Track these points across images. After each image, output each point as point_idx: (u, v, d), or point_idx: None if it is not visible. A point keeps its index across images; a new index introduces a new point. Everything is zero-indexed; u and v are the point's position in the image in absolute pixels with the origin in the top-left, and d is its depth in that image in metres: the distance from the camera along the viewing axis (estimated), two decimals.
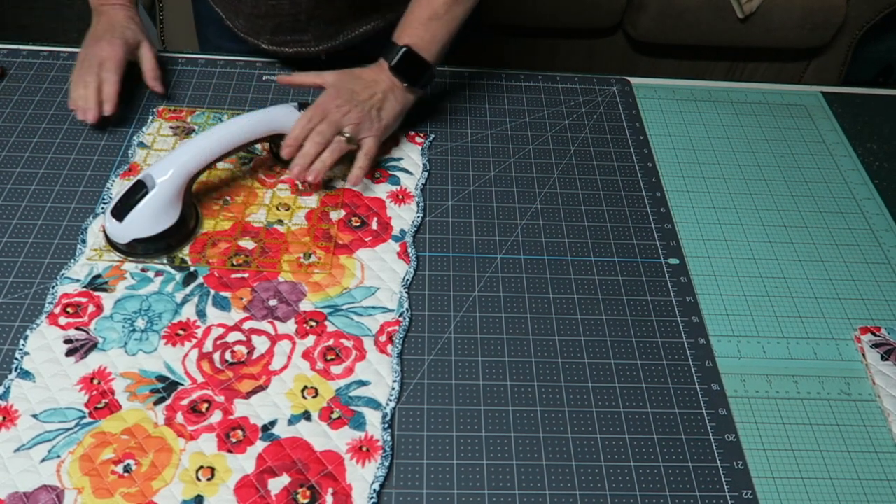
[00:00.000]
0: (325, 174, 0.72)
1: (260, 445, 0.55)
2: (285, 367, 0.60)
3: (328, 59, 0.91)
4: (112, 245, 0.66)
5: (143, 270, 0.66)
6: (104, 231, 0.67)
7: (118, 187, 0.73)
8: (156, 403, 0.57)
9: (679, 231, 0.75)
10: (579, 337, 0.65)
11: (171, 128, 0.80)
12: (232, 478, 0.53)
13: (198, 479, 0.53)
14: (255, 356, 0.61)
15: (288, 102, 0.75)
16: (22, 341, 0.60)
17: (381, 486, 0.54)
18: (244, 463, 0.54)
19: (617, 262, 0.71)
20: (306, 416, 0.57)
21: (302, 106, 0.73)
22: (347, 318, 0.64)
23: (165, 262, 0.67)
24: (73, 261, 0.66)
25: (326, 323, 0.63)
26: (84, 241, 0.68)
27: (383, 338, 0.63)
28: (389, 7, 0.89)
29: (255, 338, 0.62)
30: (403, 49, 0.74)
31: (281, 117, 0.71)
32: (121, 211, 0.64)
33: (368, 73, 0.76)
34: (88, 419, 0.56)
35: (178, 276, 0.66)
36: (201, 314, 0.63)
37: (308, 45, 0.89)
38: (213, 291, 0.65)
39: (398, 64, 0.75)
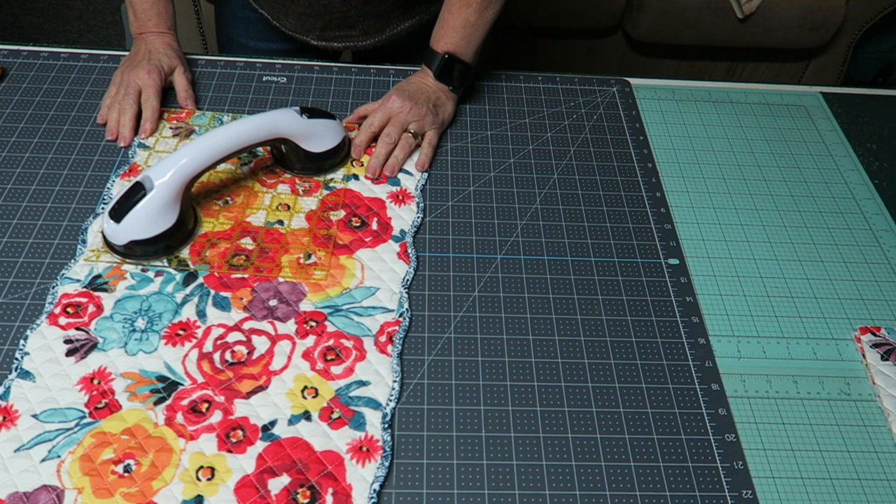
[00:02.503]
0: (400, 168, 0.78)
1: (260, 445, 0.55)
2: (285, 367, 0.60)
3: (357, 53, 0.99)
4: (110, 247, 0.66)
5: (143, 270, 0.66)
6: (102, 232, 0.67)
7: (118, 188, 0.73)
8: (156, 403, 0.57)
9: (679, 231, 0.75)
10: (579, 337, 0.65)
11: (172, 129, 0.80)
12: (232, 478, 0.54)
13: (198, 479, 0.53)
14: (255, 356, 0.61)
15: (289, 106, 0.75)
16: (22, 341, 0.60)
17: (381, 486, 0.54)
18: (244, 463, 0.54)
19: (617, 263, 0.71)
20: (306, 416, 0.57)
21: (304, 110, 0.73)
22: (347, 318, 0.64)
23: (164, 263, 0.67)
24: (73, 261, 0.66)
25: (326, 323, 0.63)
26: (84, 242, 0.68)
27: (383, 338, 0.63)
28: (434, 1, 0.92)
29: (255, 338, 0.62)
30: (444, 56, 0.80)
31: (282, 121, 0.71)
32: (119, 213, 0.64)
33: (416, 79, 0.82)
34: (88, 419, 0.56)
35: (178, 276, 0.66)
36: (201, 314, 0.63)
37: (356, 39, 0.95)
38: (213, 291, 0.65)
39: (441, 71, 0.81)
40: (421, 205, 0.75)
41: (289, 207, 0.73)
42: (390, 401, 0.59)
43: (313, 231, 0.71)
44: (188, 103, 0.82)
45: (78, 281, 0.64)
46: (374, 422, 0.57)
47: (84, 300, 0.63)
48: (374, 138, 0.79)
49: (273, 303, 0.65)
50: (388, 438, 0.56)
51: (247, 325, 0.63)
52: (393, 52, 0.99)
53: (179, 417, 0.56)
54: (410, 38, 0.97)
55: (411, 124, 0.78)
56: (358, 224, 0.72)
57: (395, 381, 0.60)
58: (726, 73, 1.89)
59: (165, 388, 0.58)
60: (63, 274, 0.65)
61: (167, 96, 0.84)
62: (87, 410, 0.56)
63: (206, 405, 0.57)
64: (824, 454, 0.59)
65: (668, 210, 0.77)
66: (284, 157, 0.76)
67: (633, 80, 0.93)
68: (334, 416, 0.57)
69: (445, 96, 0.82)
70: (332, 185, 0.76)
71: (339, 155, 0.77)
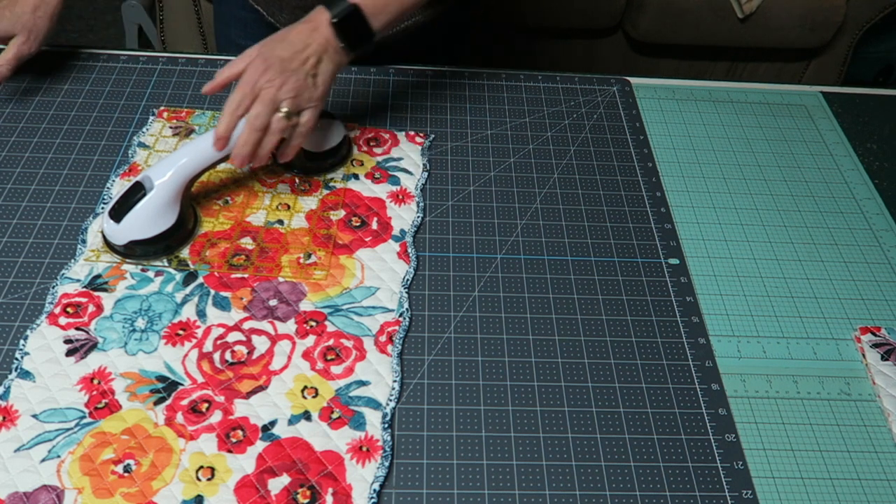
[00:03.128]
0: (269, 157, 0.67)
1: (260, 445, 0.55)
2: (285, 367, 0.60)
3: None
4: (110, 246, 0.66)
5: (143, 270, 0.66)
6: (102, 232, 0.67)
7: (118, 187, 0.73)
8: (156, 403, 0.57)
9: (679, 231, 0.75)
10: (579, 337, 0.65)
11: (171, 128, 0.80)
12: (232, 478, 0.53)
13: (198, 479, 0.53)
14: (255, 356, 0.61)
15: None
16: (22, 341, 0.60)
17: (381, 486, 0.54)
18: (244, 463, 0.54)
19: (617, 262, 0.71)
20: (306, 416, 0.57)
21: None
22: (347, 318, 0.64)
23: (164, 263, 0.67)
24: (73, 261, 0.66)
25: (326, 323, 0.63)
26: (84, 242, 0.68)
27: (383, 338, 0.63)
28: (431, 4, 0.87)
29: (255, 338, 0.62)
30: (352, 7, 0.67)
31: None
32: (118, 213, 0.64)
33: (298, 33, 0.66)
34: (88, 419, 0.56)
35: (178, 276, 0.66)
36: (201, 314, 0.63)
37: None
38: (213, 291, 0.65)
39: (341, 21, 0.66)
40: (421, 204, 0.75)
41: (289, 207, 0.73)
42: (390, 401, 0.59)
43: (313, 231, 0.71)
44: (1, 68, 0.76)
45: (78, 281, 0.64)
46: (374, 422, 0.57)
47: (84, 300, 0.63)
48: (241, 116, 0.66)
49: (273, 303, 0.65)
50: (388, 438, 0.56)
51: (247, 325, 0.63)
52: (389, 52, 0.97)
53: (179, 417, 0.56)
54: (408, 38, 0.95)
55: (284, 102, 0.64)
56: (358, 224, 0.72)
57: (395, 381, 0.60)
58: (726, 73, 1.89)
59: (165, 388, 0.58)
60: (63, 274, 0.65)
61: (171, 97, 0.84)
62: (87, 410, 0.56)
63: (206, 405, 0.57)
64: (824, 454, 0.59)
65: (668, 210, 0.77)
66: None
67: (633, 80, 0.93)
68: (334, 415, 0.57)
69: (330, 55, 0.67)
70: (332, 184, 0.76)
71: (338, 154, 0.77)
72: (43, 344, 0.60)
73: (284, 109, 0.65)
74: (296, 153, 0.68)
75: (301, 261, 0.68)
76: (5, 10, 0.76)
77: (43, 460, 0.53)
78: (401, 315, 0.64)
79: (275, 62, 0.64)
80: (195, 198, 0.72)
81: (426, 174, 0.78)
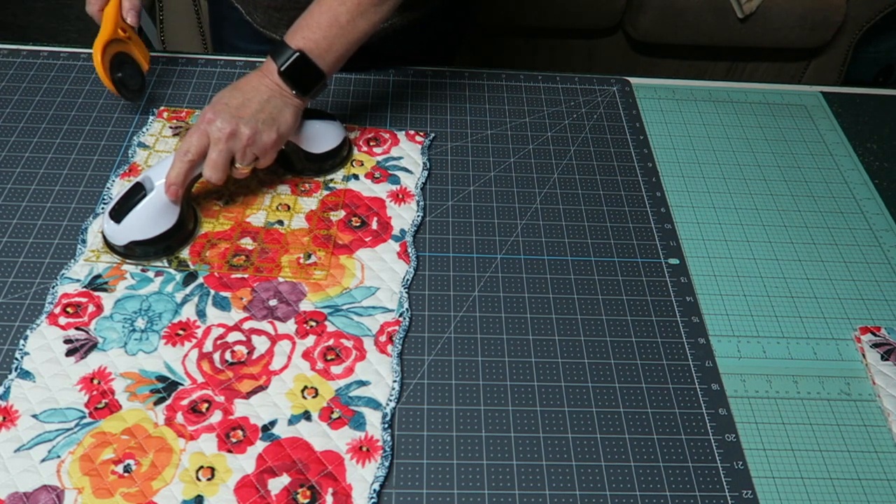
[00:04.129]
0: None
1: (260, 445, 0.55)
2: (285, 367, 0.60)
3: None
4: (110, 247, 0.66)
5: (143, 270, 0.66)
6: (102, 233, 0.67)
7: (118, 187, 0.73)
8: (156, 403, 0.57)
9: (679, 231, 0.75)
10: (579, 337, 0.65)
11: (172, 129, 0.80)
12: (232, 478, 0.53)
13: (198, 479, 0.53)
14: (255, 356, 0.61)
15: None
16: (22, 341, 0.60)
17: (381, 486, 0.54)
18: (244, 463, 0.54)
19: (617, 262, 0.71)
20: (306, 416, 0.57)
21: (304, 111, 0.72)
22: (347, 318, 0.64)
23: (164, 263, 0.67)
24: (73, 261, 0.66)
25: (326, 323, 0.63)
26: (84, 242, 0.68)
27: (383, 338, 0.63)
28: (408, 6, 0.85)
29: (255, 338, 0.62)
30: (297, 54, 0.67)
31: None
32: (118, 213, 0.64)
33: (247, 81, 0.68)
34: (88, 419, 0.56)
35: (178, 276, 0.66)
36: (201, 314, 0.63)
37: None
38: (213, 291, 0.65)
39: (288, 69, 0.67)
40: (421, 204, 0.75)
41: (289, 208, 0.73)
42: (390, 401, 0.59)
43: (313, 231, 0.71)
44: (130, 14, 0.78)
45: (78, 281, 0.64)
46: (374, 422, 0.57)
47: (84, 300, 0.63)
48: (195, 166, 0.66)
49: (273, 303, 0.65)
50: (388, 438, 0.56)
51: (247, 325, 0.63)
52: (381, 54, 0.94)
53: (179, 417, 0.56)
54: (388, 40, 0.90)
55: (236, 154, 0.66)
56: (358, 224, 0.72)
57: (395, 381, 0.60)
58: (726, 72, 1.89)
59: (165, 388, 0.58)
60: (63, 274, 0.65)
61: (171, 97, 0.84)
62: (86, 410, 0.56)
63: (206, 405, 0.57)
64: (824, 454, 0.59)
65: (668, 210, 0.77)
66: (284, 158, 0.76)
67: (633, 80, 0.93)
68: (334, 416, 0.57)
69: (284, 102, 0.67)
70: (331, 185, 0.76)
71: (339, 156, 0.77)
72: (43, 344, 0.60)
73: (238, 165, 0.67)
74: (245, 176, 0.69)
75: (301, 261, 0.68)
76: None
77: (43, 460, 0.53)
78: (401, 315, 0.64)
79: (222, 110, 0.65)
80: (195, 198, 0.72)
81: (426, 172, 0.78)
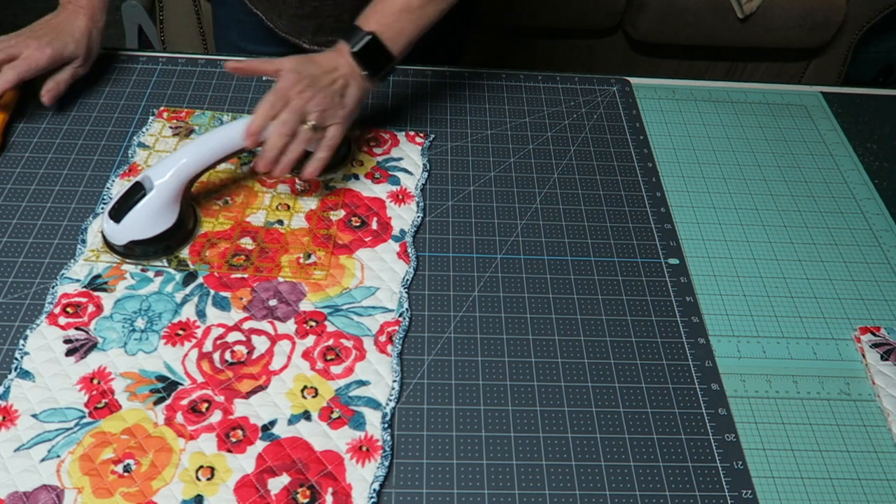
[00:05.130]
0: (290, 168, 0.68)
1: (260, 445, 0.55)
2: (285, 366, 0.60)
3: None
4: (110, 247, 0.66)
5: (143, 270, 0.66)
6: (102, 232, 0.67)
7: (118, 187, 0.73)
8: (156, 403, 0.57)
9: (679, 231, 0.75)
10: (579, 337, 0.65)
11: (171, 129, 0.80)
12: (232, 477, 0.53)
13: (198, 478, 0.53)
14: (254, 356, 0.61)
15: None
16: (22, 341, 0.60)
17: (381, 486, 0.54)
18: (244, 463, 0.54)
19: (617, 262, 0.71)
20: (306, 415, 0.57)
21: None
22: (347, 318, 0.64)
23: (164, 263, 0.67)
24: (72, 261, 0.66)
25: (326, 323, 0.63)
26: (84, 242, 0.68)
27: (383, 338, 0.63)
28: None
29: (254, 338, 0.62)
30: (369, 36, 0.70)
31: None
32: (118, 213, 0.64)
33: (326, 57, 0.70)
34: (88, 419, 0.56)
35: (178, 276, 0.66)
36: (201, 314, 0.63)
37: None
38: (212, 291, 0.65)
39: (361, 51, 0.70)
40: (421, 204, 0.75)
41: (289, 207, 0.73)
42: (390, 401, 0.59)
43: (313, 231, 0.71)
44: (45, 96, 0.76)
45: (77, 281, 0.64)
46: (373, 421, 0.57)
47: (84, 300, 0.63)
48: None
49: (273, 303, 0.65)
50: (388, 438, 0.56)
51: (246, 325, 0.63)
52: None
53: (179, 417, 0.56)
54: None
55: (311, 114, 0.67)
56: (358, 224, 0.72)
57: (394, 381, 0.60)
58: (726, 73, 1.89)
59: (165, 387, 0.58)
60: (63, 274, 0.65)
61: (170, 97, 0.83)
62: (86, 410, 0.56)
63: (205, 405, 0.57)
64: (824, 454, 0.59)
65: (668, 210, 0.77)
66: None
67: (633, 80, 0.93)
68: (334, 415, 0.57)
69: (356, 81, 0.70)
70: (331, 184, 0.76)
71: (338, 155, 0.76)
72: (43, 344, 0.60)
73: (311, 122, 0.67)
74: (319, 171, 0.69)
75: (301, 261, 0.68)
76: (62, 34, 0.76)
77: (43, 460, 0.53)
78: (401, 315, 0.64)
79: (306, 77, 0.67)
80: (195, 198, 0.72)
81: (426, 174, 0.78)
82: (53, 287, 0.64)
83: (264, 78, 0.88)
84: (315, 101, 0.67)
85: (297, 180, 0.75)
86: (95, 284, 0.64)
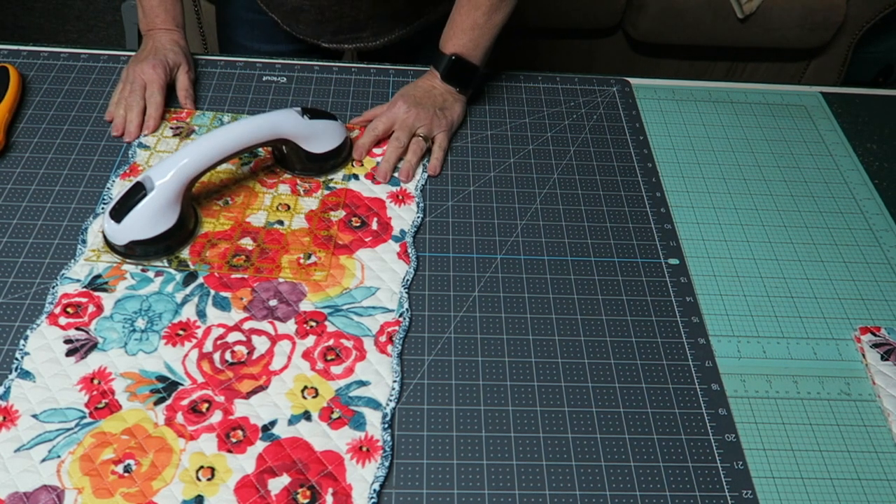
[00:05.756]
0: (414, 172, 0.77)
1: (260, 445, 0.55)
2: (285, 367, 0.60)
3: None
4: (110, 247, 0.66)
5: (143, 270, 0.66)
6: (102, 232, 0.67)
7: (118, 188, 0.73)
8: (156, 403, 0.57)
9: (679, 231, 0.75)
10: (579, 337, 0.65)
11: (172, 129, 0.80)
12: (232, 478, 0.54)
13: (198, 479, 0.53)
14: (255, 356, 0.61)
15: (289, 106, 0.75)
16: (22, 341, 0.60)
17: (381, 486, 0.54)
18: (244, 463, 0.54)
19: (617, 263, 0.71)
20: (306, 416, 0.57)
21: (305, 111, 0.73)
22: (347, 318, 0.64)
23: (165, 263, 0.67)
24: (73, 261, 0.66)
25: (326, 323, 0.63)
26: (84, 242, 0.68)
27: (383, 338, 0.63)
28: (441, 1, 0.94)
29: (255, 338, 0.62)
30: (451, 58, 0.81)
31: (284, 122, 0.71)
32: (119, 213, 0.64)
33: (423, 82, 0.82)
34: (88, 419, 0.56)
35: (178, 276, 0.66)
36: (201, 314, 0.63)
37: (365, 40, 0.97)
38: (213, 291, 0.65)
39: (448, 73, 0.81)
40: (421, 205, 0.75)
41: (289, 208, 0.73)
42: (390, 401, 0.59)
43: (313, 231, 0.71)
44: (187, 102, 0.82)
45: (78, 281, 0.64)
46: (374, 422, 0.57)
47: (84, 300, 0.63)
48: (378, 142, 0.79)
49: (273, 303, 0.65)
50: (388, 438, 0.56)
51: (247, 325, 0.63)
52: (398, 51, 0.99)
53: (179, 417, 0.56)
54: (417, 36, 0.98)
55: (419, 128, 0.78)
56: (358, 224, 0.72)
57: (395, 381, 0.60)
58: (726, 73, 1.89)
59: (165, 388, 0.58)
60: (63, 274, 0.65)
61: (170, 94, 0.84)
62: (87, 410, 0.56)
63: (206, 405, 0.57)
64: (824, 454, 0.59)
65: (668, 210, 0.77)
66: (285, 158, 0.76)
67: (633, 80, 0.93)
68: (334, 416, 0.57)
69: (453, 98, 0.82)
70: (332, 185, 0.76)
71: (339, 156, 0.77)
72: (43, 344, 0.60)
73: (421, 133, 0.79)
74: (438, 170, 0.79)
75: (301, 261, 0.68)
76: (158, 52, 0.83)
77: (43, 460, 0.53)
78: (401, 315, 0.65)
79: (410, 99, 0.80)
80: (196, 198, 0.72)
81: (426, 174, 0.78)
82: (54, 287, 0.64)
83: (264, 78, 0.88)
84: (420, 116, 0.78)
85: (297, 181, 0.76)
86: (96, 284, 0.64)
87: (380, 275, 0.68)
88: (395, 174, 0.77)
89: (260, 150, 0.78)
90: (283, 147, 0.74)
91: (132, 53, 0.89)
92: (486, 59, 0.83)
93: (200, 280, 0.66)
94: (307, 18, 0.92)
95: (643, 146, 0.84)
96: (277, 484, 0.53)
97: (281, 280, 0.66)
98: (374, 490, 0.53)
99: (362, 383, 0.60)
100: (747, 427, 0.60)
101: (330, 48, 0.97)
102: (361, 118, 0.82)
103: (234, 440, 0.55)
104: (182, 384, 0.59)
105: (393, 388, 0.59)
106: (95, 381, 0.58)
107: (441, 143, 0.80)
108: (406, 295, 0.66)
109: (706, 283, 0.71)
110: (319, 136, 0.74)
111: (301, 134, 0.72)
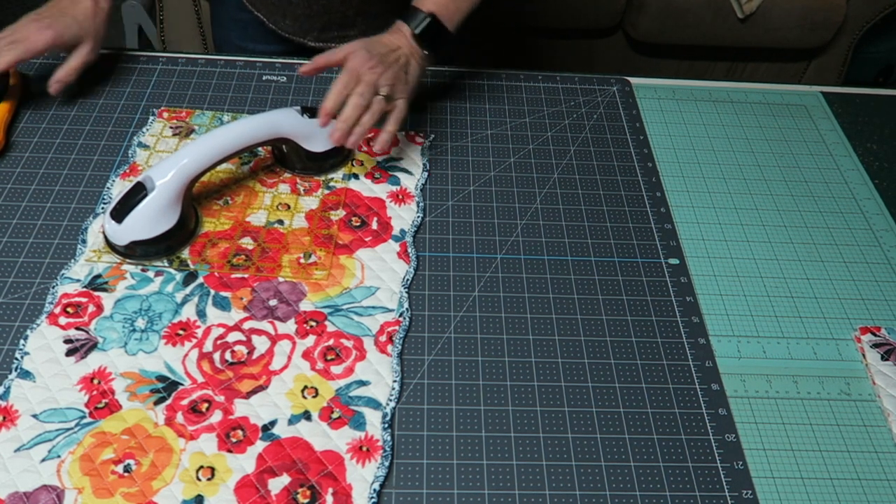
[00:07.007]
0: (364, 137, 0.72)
1: (260, 445, 0.55)
2: (285, 366, 0.60)
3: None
4: (111, 247, 0.66)
5: (143, 270, 0.66)
6: (103, 233, 0.67)
7: (118, 187, 0.73)
8: (156, 403, 0.57)
9: (679, 231, 0.75)
10: (579, 337, 0.65)
11: (172, 129, 0.80)
12: (232, 478, 0.53)
13: (198, 478, 0.53)
14: (255, 356, 0.61)
15: (289, 106, 0.75)
16: (22, 341, 0.60)
17: (381, 486, 0.54)
18: (244, 463, 0.54)
19: (617, 262, 0.71)
20: (306, 415, 0.57)
21: (304, 110, 0.73)
22: (347, 317, 0.64)
23: (165, 263, 0.67)
24: (73, 261, 0.66)
25: (326, 323, 0.63)
26: (84, 242, 0.68)
27: (383, 338, 0.63)
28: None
29: (255, 338, 0.62)
30: (429, 18, 0.74)
31: (283, 121, 0.71)
32: (120, 213, 0.64)
33: (389, 38, 0.75)
34: (88, 419, 0.56)
35: (178, 275, 0.66)
36: (201, 314, 0.63)
37: (353, 38, 0.91)
38: (213, 291, 0.65)
39: (422, 32, 0.74)
40: (421, 204, 0.75)
41: (289, 207, 0.73)
42: (390, 401, 0.59)
43: (313, 231, 0.71)
44: (54, 86, 0.76)
45: (78, 281, 0.64)
46: (374, 422, 0.57)
47: (84, 300, 0.63)
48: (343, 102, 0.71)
49: (273, 302, 0.65)
50: (388, 438, 0.56)
51: (247, 325, 0.63)
52: None
53: (179, 417, 0.56)
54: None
55: (383, 87, 0.71)
56: (358, 224, 0.72)
57: (395, 381, 0.60)
58: (726, 73, 1.89)
59: (165, 387, 0.58)
60: (63, 274, 0.65)
61: (171, 97, 0.83)
62: (87, 410, 0.56)
63: (206, 405, 0.57)
64: (824, 454, 0.59)
65: (668, 210, 0.77)
66: (285, 157, 0.76)
67: (633, 80, 0.93)
68: (334, 415, 0.57)
69: (416, 60, 0.75)
70: (332, 184, 0.76)
71: (339, 154, 0.77)
72: (43, 344, 0.60)
73: (384, 92, 0.71)
74: (390, 144, 0.73)
75: (301, 261, 0.68)
76: (65, 16, 0.75)
77: (43, 460, 0.53)
78: (401, 315, 0.64)
79: (376, 55, 0.71)
80: (196, 198, 0.72)
81: (426, 174, 0.78)
82: (54, 287, 0.64)
83: (264, 77, 0.88)
84: (385, 75, 0.71)
85: (297, 180, 0.75)
86: (96, 284, 0.64)
87: (380, 274, 0.67)
88: (384, 164, 0.77)
89: (260, 149, 0.78)
90: (283, 146, 0.74)
91: (132, 53, 0.89)
92: (461, 26, 0.77)
93: (200, 280, 0.66)
94: (295, 12, 0.90)
95: (643, 146, 0.84)
96: (277, 484, 0.53)
97: (281, 280, 0.66)
98: (374, 490, 0.53)
99: (362, 383, 0.60)
100: (747, 427, 0.60)
101: (316, 47, 0.94)
102: (312, 65, 0.72)
103: (234, 440, 0.55)
104: (182, 384, 0.59)
105: (393, 388, 0.59)
106: (95, 381, 0.58)
107: (400, 112, 0.73)
108: (406, 295, 0.66)
109: (706, 283, 0.71)
110: (319, 135, 0.74)
111: (301, 133, 0.72)
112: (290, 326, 0.63)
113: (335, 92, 0.69)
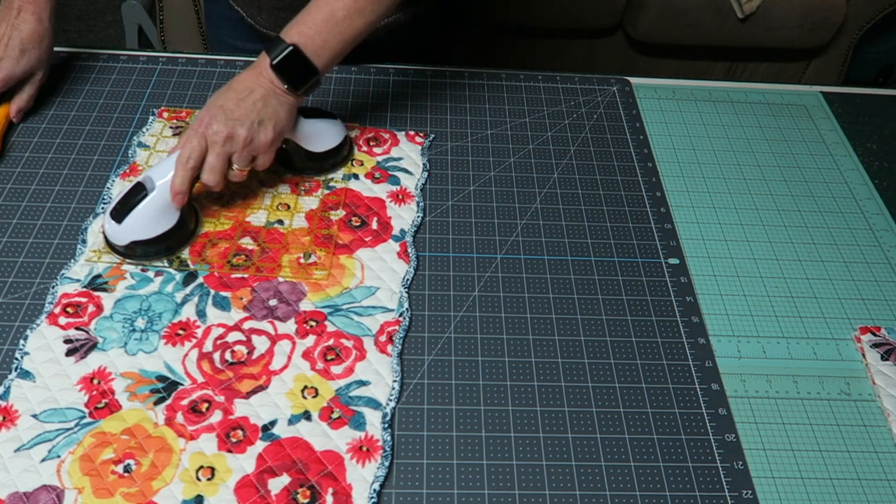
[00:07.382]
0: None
1: (260, 445, 0.55)
2: (285, 366, 0.60)
3: None
4: (111, 247, 0.66)
5: (143, 270, 0.66)
6: (103, 233, 0.67)
7: (118, 187, 0.73)
8: (156, 403, 0.57)
9: (679, 231, 0.75)
10: (579, 337, 0.65)
11: (172, 129, 0.80)
12: (232, 478, 0.53)
13: (198, 478, 0.53)
14: (255, 356, 0.61)
15: None
16: (22, 341, 0.60)
17: (381, 486, 0.54)
18: (244, 463, 0.54)
19: (617, 262, 0.71)
20: (306, 415, 0.57)
21: (304, 110, 0.73)
22: (347, 317, 0.64)
23: (165, 263, 0.67)
24: (73, 261, 0.66)
25: (326, 323, 0.63)
26: (84, 241, 0.68)
27: (383, 338, 0.63)
28: (413, 0, 0.87)
29: (255, 338, 0.62)
30: (290, 48, 0.66)
31: None
32: (120, 213, 0.64)
33: (242, 80, 0.68)
34: (88, 419, 0.56)
35: (178, 275, 0.66)
36: (201, 314, 0.63)
37: None
38: (213, 291, 0.65)
39: (280, 63, 0.66)
40: (421, 204, 0.75)
41: (289, 207, 0.73)
42: (390, 401, 0.59)
43: (313, 231, 0.71)
44: (17, 115, 0.77)
45: (78, 281, 0.64)
46: (374, 422, 0.57)
47: (84, 300, 0.63)
48: (197, 171, 0.66)
49: (273, 302, 0.65)
50: (388, 438, 0.56)
51: (247, 325, 0.63)
52: (375, 50, 0.95)
53: (179, 417, 0.56)
54: (386, 38, 0.91)
55: (233, 155, 0.66)
56: (358, 224, 0.72)
57: (395, 381, 0.60)
58: (726, 73, 1.89)
59: (165, 387, 0.58)
60: (63, 274, 0.65)
61: (170, 97, 0.83)
62: (86, 410, 0.56)
63: (206, 405, 0.57)
64: (824, 454, 0.59)
65: (668, 210, 0.77)
66: (285, 157, 0.76)
67: (633, 80, 0.93)
68: (334, 415, 0.57)
69: (278, 100, 0.67)
70: (332, 184, 0.76)
71: (339, 155, 0.77)
72: (43, 344, 0.60)
73: (236, 167, 0.66)
74: (242, 178, 0.69)
75: (301, 261, 0.68)
76: (9, 48, 0.74)
77: (43, 460, 0.53)
78: (401, 315, 0.64)
79: (217, 113, 0.65)
80: (196, 198, 0.72)
81: (426, 174, 0.78)
82: (53, 287, 0.64)
83: None
84: (233, 141, 0.65)
85: (297, 180, 0.75)
86: (95, 284, 0.64)
87: (380, 274, 0.67)
88: (395, 177, 0.77)
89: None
90: (283, 146, 0.74)
91: (132, 53, 0.89)
92: (332, 65, 0.69)
93: (200, 280, 0.66)
94: (268, 6, 0.86)
95: (643, 146, 0.84)
96: (277, 484, 0.53)
97: (281, 280, 0.66)
98: (374, 490, 0.53)
99: (362, 383, 0.60)
100: (747, 427, 0.60)
101: None
102: (180, 195, 0.65)
103: (234, 440, 0.55)
104: (182, 384, 0.59)
105: (393, 388, 0.59)
106: (95, 381, 0.58)
107: (263, 164, 0.68)
108: (406, 295, 0.66)
109: (706, 283, 0.71)
110: (319, 135, 0.74)
111: (301, 133, 0.72)
112: (290, 326, 0.63)
113: (180, 168, 0.64)
